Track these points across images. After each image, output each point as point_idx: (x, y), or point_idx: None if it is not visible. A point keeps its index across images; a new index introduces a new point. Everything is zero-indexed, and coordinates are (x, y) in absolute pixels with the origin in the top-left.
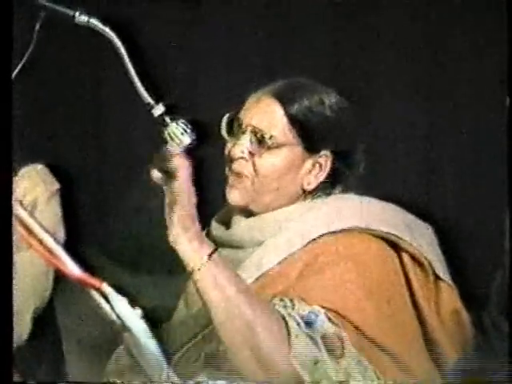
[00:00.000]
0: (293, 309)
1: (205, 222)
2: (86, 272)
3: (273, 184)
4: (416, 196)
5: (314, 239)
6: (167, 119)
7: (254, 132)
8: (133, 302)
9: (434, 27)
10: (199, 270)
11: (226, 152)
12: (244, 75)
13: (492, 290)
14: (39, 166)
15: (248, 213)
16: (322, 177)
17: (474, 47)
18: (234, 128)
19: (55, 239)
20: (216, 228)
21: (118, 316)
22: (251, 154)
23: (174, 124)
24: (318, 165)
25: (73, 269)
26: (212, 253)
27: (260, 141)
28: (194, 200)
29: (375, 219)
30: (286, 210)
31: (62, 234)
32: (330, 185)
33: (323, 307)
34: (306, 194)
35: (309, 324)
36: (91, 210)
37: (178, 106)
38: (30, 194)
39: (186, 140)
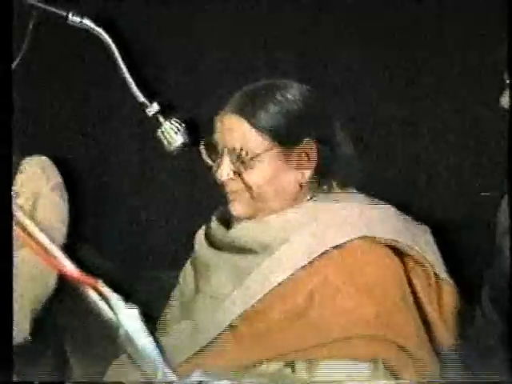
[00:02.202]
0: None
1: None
2: (81, 270)
3: (270, 191)
4: (411, 194)
5: (321, 254)
6: (161, 118)
7: (231, 152)
8: (129, 300)
9: (433, 26)
10: None
11: (214, 175)
12: (241, 73)
13: (484, 278)
14: (42, 157)
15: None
16: (314, 164)
17: (474, 46)
18: (213, 152)
19: (51, 237)
20: (216, 227)
21: (115, 315)
22: (236, 173)
23: (167, 123)
24: (304, 154)
25: (68, 267)
26: None
27: (240, 159)
28: None
29: (378, 226)
30: (290, 215)
31: (63, 230)
32: (324, 174)
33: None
34: (306, 188)
35: None
36: (89, 206)
37: (172, 105)
38: (31, 185)
39: (180, 139)
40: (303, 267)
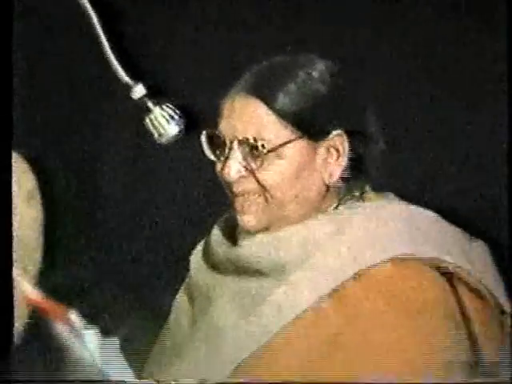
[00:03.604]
0: None
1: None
2: (48, 296)
3: (289, 194)
4: (414, 192)
5: (349, 278)
6: (149, 103)
7: (244, 144)
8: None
9: (433, 26)
10: None
11: (219, 174)
12: (247, 51)
13: None
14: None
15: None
16: (343, 162)
17: (473, 45)
18: (218, 145)
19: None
20: (218, 242)
21: (89, 353)
22: (250, 168)
23: (157, 109)
24: (333, 149)
25: (29, 291)
26: None
27: (253, 151)
28: None
29: (421, 242)
30: (313, 227)
31: (39, 241)
32: (356, 175)
33: None
34: (333, 192)
35: None
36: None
37: (162, 87)
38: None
39: (173, 129)
40: (328, 295)
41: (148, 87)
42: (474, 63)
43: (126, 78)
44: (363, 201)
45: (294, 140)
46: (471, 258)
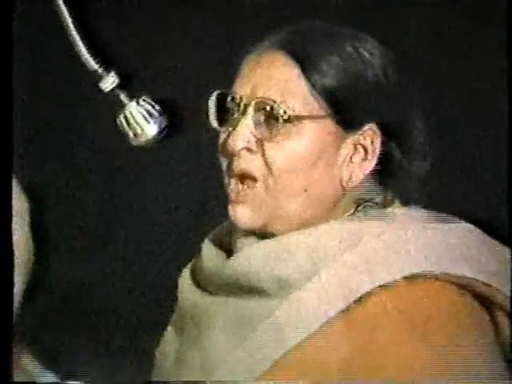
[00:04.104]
0: None
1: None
2: None
3: (298, 183)
4: None
5: (361, 298)
6: (123, 97)
7: (260, 107)
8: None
9: (432, 25)
10: None
11: (220, 147)
12: (235, 33)
13: None
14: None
15: (266, 234)
16: (370, 165)
17: (473, 45)
18: (230, 110)
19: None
20: (210, 255)
21: None
22: (259, 141)
23: (133, 104)
24: (361, 147)
25: None
26: None
27: (270, 119)
28: None
29: (447, 257)
30: (323, 235)
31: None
32: (382, 181)
33: None
34: (351, 196)
35: None
36: None
37: (139, 77)
38: None
39: (152, 129)
40: (338, 316)
41: (121, 77)
42: (474, 63)
43: (95, 66)
44: (385, 209)
45: (321, 117)
46: (503, 274)
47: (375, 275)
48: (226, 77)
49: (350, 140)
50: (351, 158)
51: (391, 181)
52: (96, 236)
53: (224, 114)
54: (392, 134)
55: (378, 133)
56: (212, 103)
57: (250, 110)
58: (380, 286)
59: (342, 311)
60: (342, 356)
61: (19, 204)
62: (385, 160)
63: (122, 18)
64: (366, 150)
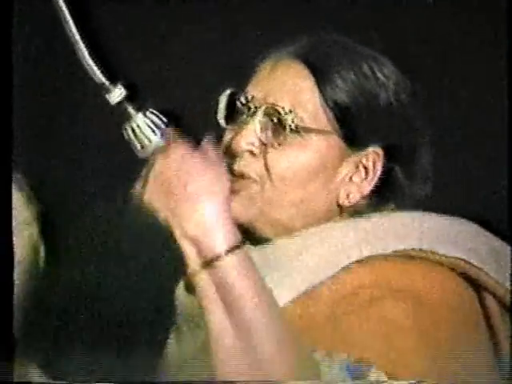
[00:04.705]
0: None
1: None
2: None
3: (294, 193)
4: None
5: (347, 266)
6: (130, 109)
7: (269, 112)
8: None
9: (433, 24)
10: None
11: (224, 146)
12: (243, 44)
13: None
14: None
15: (251, 236)
16: (368, 187)
17: (474, 45)
18: (238, 110)
19: None
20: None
21: None
22: (263, 145)
23: (140, 116)
24: (362, 167)
25: None
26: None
27: (278, 126)
28: None
29: (443, 239)
30: (309, 233)
31: None
32: (378, 201)
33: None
34: (343, 212)
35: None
36: None
37: (145, 90)
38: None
39: (160, 140)
40: (320, 284)
41: (127, 88)
42: (474, 62)
43: (102, 78)
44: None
45: (328, 132)
46: (502, 264)
47: (357, 249)
48: (233, 87)
49: (353, 159)
50: (351, 177)
51: (391, 201)
52: (103, 240)
53: (232, 114)
54: (396, 157)
55: (382, 155)
56: (222, 101)
57: (259, 113)
58: (361, 260)
59: (325, 279)
60: (327, 306)
61: (28, 209)
62: (385, 181)
63: (128, 29)
64: (366, 171)
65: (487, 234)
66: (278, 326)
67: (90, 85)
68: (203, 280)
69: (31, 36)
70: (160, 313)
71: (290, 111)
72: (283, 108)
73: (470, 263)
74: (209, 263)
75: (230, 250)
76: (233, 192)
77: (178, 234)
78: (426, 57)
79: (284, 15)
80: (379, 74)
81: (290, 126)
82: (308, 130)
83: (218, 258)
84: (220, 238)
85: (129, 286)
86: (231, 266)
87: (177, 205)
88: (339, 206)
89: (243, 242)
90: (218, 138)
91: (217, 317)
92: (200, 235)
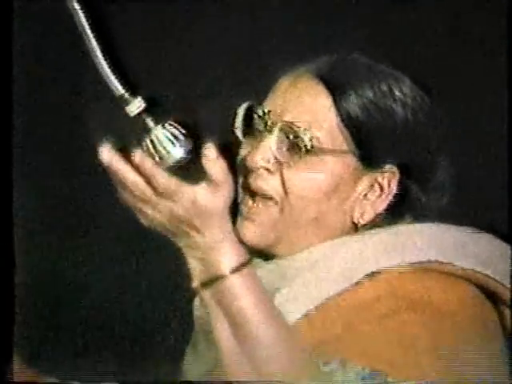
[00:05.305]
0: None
1: None
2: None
3: (309, 211)
4: None
5: (364, 278)
6: (149, 121)
7: (286, 131)
8: None
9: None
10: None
11: (239, 161)
12: (263, 58)
13: None
14: None
15: (265, 252)
16: (383, 205)
17: (474, 46)
18: (256, 125)
19: None
20: None
21: None
22: (279, 163)
23: (159, 128)
24: (378, 185)
25: None
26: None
27: (294, 144)
28: None
29: (461, 251)
30: (325, 246)
31: None
32: (394, 215)
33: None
34: (358, 229)
35: None
36: None
37: (163, 102)
38: None
39: (178, 152)
40: (334, 297)
41: (146, 100)
42: (474, 62)
43: (121, 90)
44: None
45: (344, 151)
46: None
47: (373, 262)
48: (252, 100)
49: (368, 177)
50: (366, 194)
51: (407, 214)
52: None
53: (249, 127)
54: (412, 175)
55: (397, 174)
56: (240, 114)
57: (276, 130)
58: (376, 272)
59: (340, 292)
60: (342, 317)
61: None
62: (401, 196)
63: (148, 41)
64: (381, 189)
65: (504, 244)
66: (285, 343)
67: (89, 85)
68: (207, 296)
69: (31, 36)
70: (174, 319)
71: (307, 130)
72: (299, 127)
73: (486, 275)
74: (213, 281)
75: (236, 270)
76: (251, 219)
77: (184, 250)
78: (443, 73)
79: (306, 31)
80: (397, 92)
81: (306, 146)
82: (324, 151)
83: (222, 276)
84: (226, 257)
85: (142, 291)
86: (236, 286)
87: (184, 226)
88: (353, 223)
89: (249, 261)
90: (226, 144)
91: (224, 334)
92: (205, 254)
